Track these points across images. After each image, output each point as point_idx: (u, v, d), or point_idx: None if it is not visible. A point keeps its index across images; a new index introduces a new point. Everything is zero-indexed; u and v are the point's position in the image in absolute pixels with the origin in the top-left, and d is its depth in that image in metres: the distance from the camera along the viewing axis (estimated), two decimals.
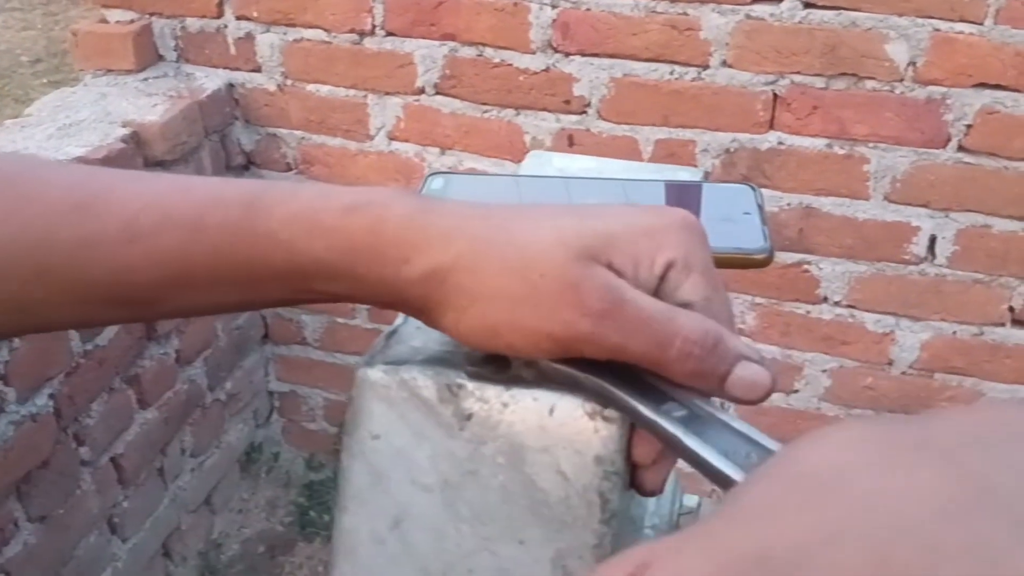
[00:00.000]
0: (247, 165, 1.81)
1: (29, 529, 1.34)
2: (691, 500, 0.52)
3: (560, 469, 0.34)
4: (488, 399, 0.35)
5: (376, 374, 0.35)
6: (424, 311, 0.34)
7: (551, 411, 0.34)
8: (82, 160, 1.37)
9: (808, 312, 1.64)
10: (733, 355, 0.32)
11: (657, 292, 0.33)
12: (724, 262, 0.42)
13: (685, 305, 0.33)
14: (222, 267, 0.34)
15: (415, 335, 0.38)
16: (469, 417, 0.35)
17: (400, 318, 0.40)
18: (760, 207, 0.45)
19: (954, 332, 1.59)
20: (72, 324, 0.37)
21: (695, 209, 0.46)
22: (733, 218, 0.45)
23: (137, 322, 0.36)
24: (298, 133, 1.74)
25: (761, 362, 0.33)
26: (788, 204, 1.55)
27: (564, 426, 0.34)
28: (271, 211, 0.34)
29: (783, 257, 1.60)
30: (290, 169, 1.79)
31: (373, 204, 0.34)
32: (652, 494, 0.35)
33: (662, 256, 0.33)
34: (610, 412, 0.33)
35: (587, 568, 0.34)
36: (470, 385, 0.35)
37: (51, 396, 1.35)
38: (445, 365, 0.36)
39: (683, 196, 0.48)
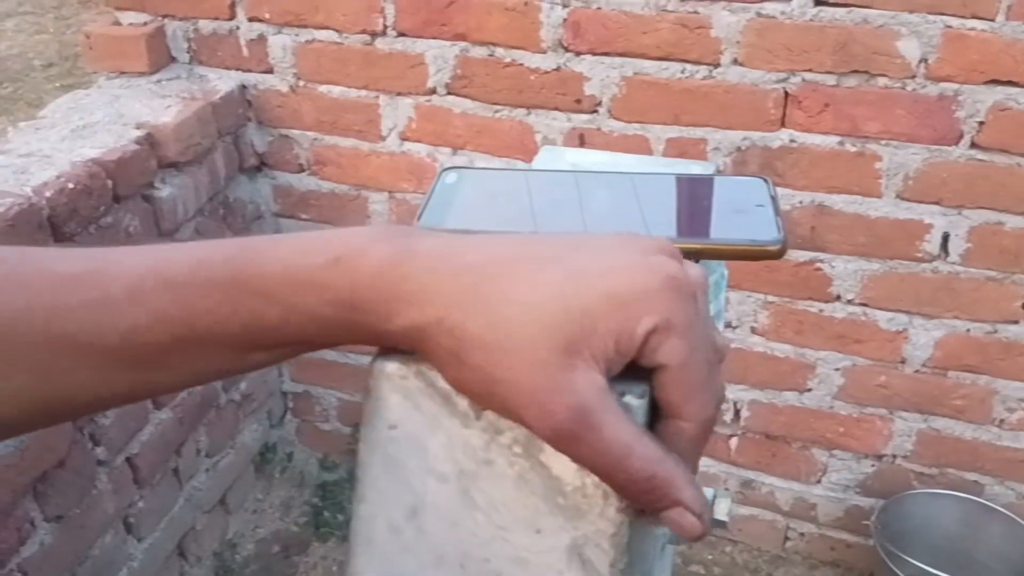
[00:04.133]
0: (260, 166, 1.82)
1: (46, 529, 1.35)
2: (706, 492, 0.52)
3: None
4: None
5: (392, 365, 0.35)
6: (423, 356, 0.35)
7: None
8: (97, 161, 1.38)
9: (821, 310, 1.64)
10: (670, 500, 0.33)
11: (639, 355, 0.33)
12: (738, 254, 0.43)
13: (661, 367, 0.33)
14: (219, 326, 0.35)
15: None
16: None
17: None
18: (773, 198, 0.45)
19: (967, 330, 1.58)
20: (96, 396, 0.37)
21: (707, 202, 0.46)
22: (746, 210, 0.45)
23: (154, 393, 0.36)
24: (311, 134, 1.75)
25: (701, 513, 0.34)
26: (800, 202, 1.55)
27: None
28: (259, 269, 0.35)
29: (796, 255, 1.59)
30: (303, 170, 1.79)
31: (349, 257, 0.34)
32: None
33: (643, 324, 0.33)
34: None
35: (604, 557, 0.34)
36: None
37: None
38: None
39: (695, 190, 0.48)
